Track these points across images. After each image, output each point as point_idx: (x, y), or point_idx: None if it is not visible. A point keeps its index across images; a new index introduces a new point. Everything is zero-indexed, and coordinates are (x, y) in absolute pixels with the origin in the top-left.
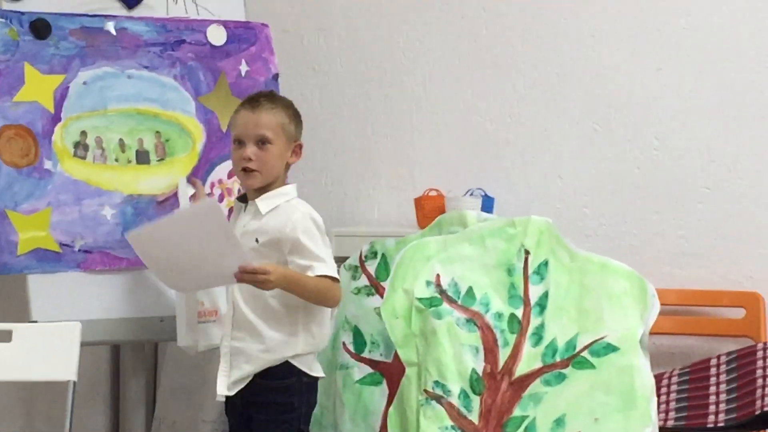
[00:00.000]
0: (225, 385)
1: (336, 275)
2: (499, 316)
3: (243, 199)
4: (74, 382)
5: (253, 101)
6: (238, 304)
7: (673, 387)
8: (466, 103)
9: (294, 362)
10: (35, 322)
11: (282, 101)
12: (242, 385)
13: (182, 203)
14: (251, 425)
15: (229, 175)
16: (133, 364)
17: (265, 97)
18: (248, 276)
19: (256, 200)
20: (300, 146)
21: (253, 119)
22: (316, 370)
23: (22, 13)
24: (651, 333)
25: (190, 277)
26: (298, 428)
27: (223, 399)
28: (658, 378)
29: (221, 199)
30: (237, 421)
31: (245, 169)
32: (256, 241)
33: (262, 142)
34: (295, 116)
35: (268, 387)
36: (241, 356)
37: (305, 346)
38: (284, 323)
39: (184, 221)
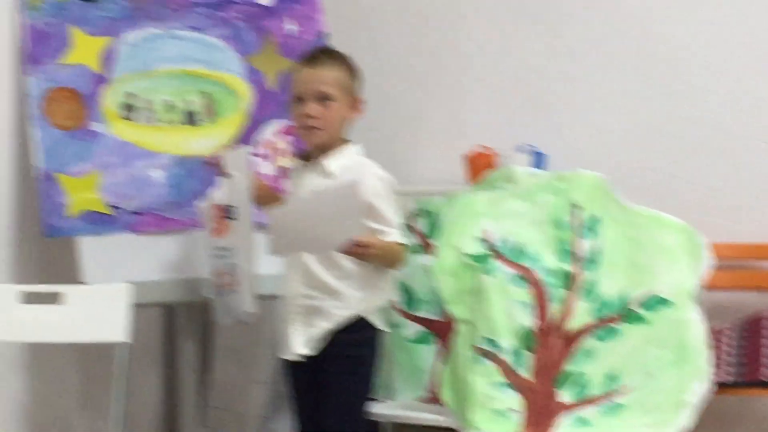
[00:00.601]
0: (302, 344)
1: (405, 240)
2: (550, 271)
3: (304, 156)
4: (127, 344)
5: (313, 58)
6: (308, 265)
7: (729, 341)
8: (517, 58)
9: (367, 316)
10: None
11: (341, 57)
12: (321, 343)
13: (237, 173)
14: (323, 380)
15: (277, 135)
16: (186, 325)
17: (325, 52)
18: (358, 248)
19: (323, 160)
20: (361, 101)
21: (314, 76)
22: (383, 325)
23: None
24: (706, 288)
25: (296, 245)
26: (370, 380)
27: (300, 358)
28: (713, 333)
29: (270, 158)
30: (303, 379)
31: (307, 127)
32: None
33: (323, 98)
34: (355, 71)
35: (344, 341)
36: (317, 314)
37: (377, 301)
38: (356, 280)
39: (326, 199)
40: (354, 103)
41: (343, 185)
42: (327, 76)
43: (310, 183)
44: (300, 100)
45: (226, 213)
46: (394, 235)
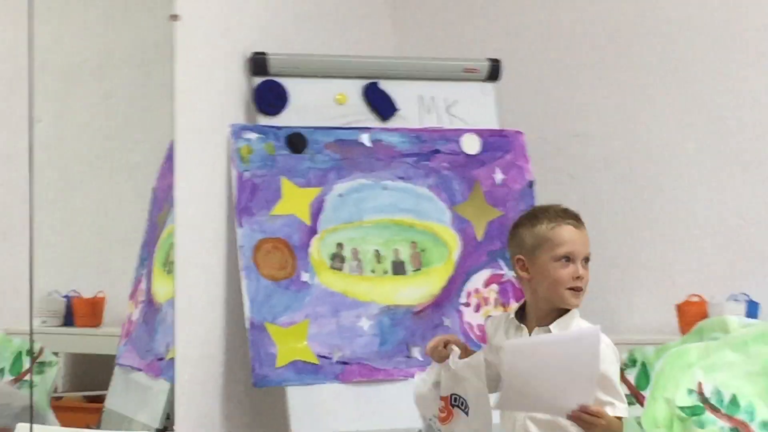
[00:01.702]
0: None
1: (626, 415)
2: (766, 425)
3: (519, 315)
4: None
5: (577, 218)
6: (529, 429)
7: None
8: (726, 205)
9: None
10: None
11: None
12: None
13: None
14: None
15: (486, 285)
16: None
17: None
18: (586, 416)
19: (552, 326)
20: None
21: (584, 237)
22: None
23: (279, 128)
24: None
25: (526, 400)
26: None
27: None
28: None
29: (477, 308)
30: None
31: (578, 288)
32: None
33: (586, 260)
34: None
35: None
36: None
37: None
38: None
39: (566, 344)
40: None
41: (585, 332)
42: (587, 239)
43: None
44: (568, 259)
45: (454, 401)
46: (621, 409)
